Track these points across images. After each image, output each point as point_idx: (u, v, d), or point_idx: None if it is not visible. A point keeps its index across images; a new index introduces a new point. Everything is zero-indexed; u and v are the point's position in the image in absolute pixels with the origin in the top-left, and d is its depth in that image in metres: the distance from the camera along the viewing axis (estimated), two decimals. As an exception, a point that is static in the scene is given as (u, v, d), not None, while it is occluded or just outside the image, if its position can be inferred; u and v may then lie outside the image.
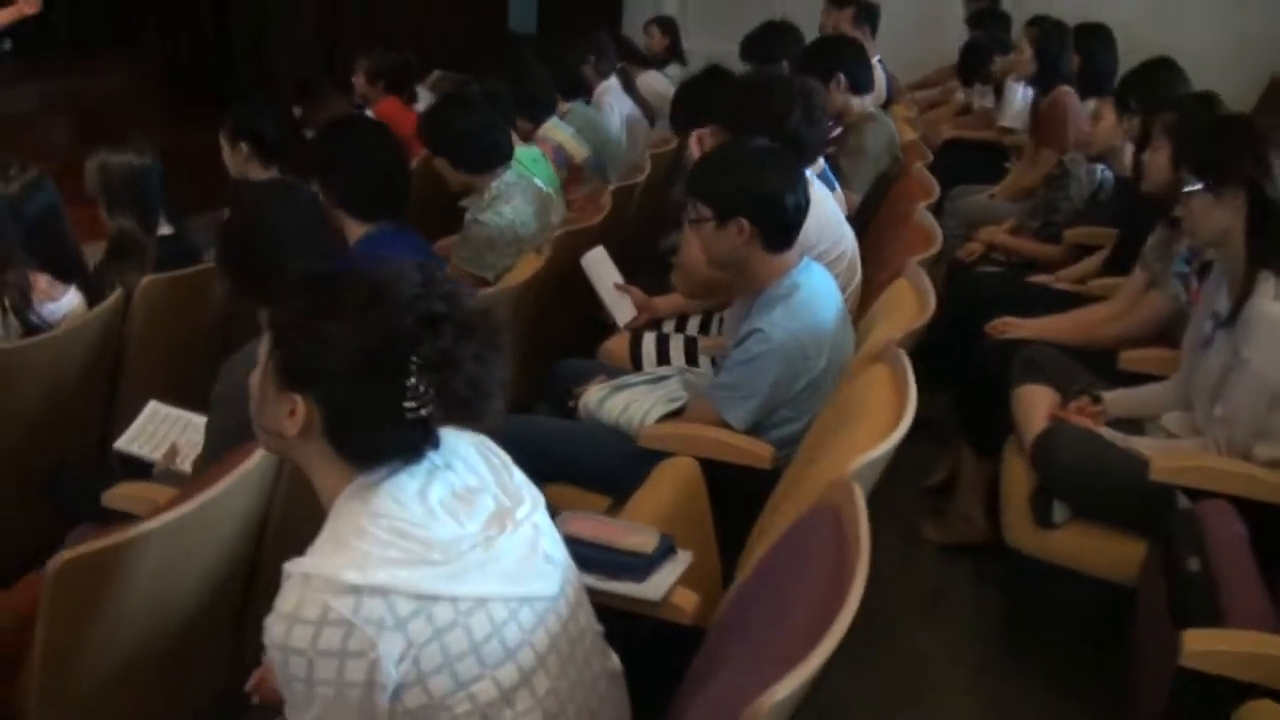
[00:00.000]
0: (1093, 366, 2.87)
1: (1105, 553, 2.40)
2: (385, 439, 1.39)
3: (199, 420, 2.79)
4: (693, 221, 2.58)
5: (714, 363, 2.92)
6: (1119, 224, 3.46)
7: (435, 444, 1.43)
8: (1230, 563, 1.95)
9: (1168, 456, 2.38)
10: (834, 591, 1.37)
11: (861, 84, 4.11)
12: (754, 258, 2.54)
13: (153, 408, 2.79)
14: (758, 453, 2.45)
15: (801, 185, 2.55)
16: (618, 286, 3.43)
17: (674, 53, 7.01)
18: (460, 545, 1.37)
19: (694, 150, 3.26)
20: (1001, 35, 5.97)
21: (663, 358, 3.08)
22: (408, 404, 1.35)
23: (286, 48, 7.99)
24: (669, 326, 3.36)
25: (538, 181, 3.66)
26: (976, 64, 5.93)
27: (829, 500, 1.65)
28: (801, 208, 2.55)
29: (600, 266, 3.45)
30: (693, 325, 3.35)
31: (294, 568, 1.32)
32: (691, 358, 3.10)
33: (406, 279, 1.38)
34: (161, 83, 8.54)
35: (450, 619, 1.34)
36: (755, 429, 2.51)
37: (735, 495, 2.40)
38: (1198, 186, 2.38)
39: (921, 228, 3.22)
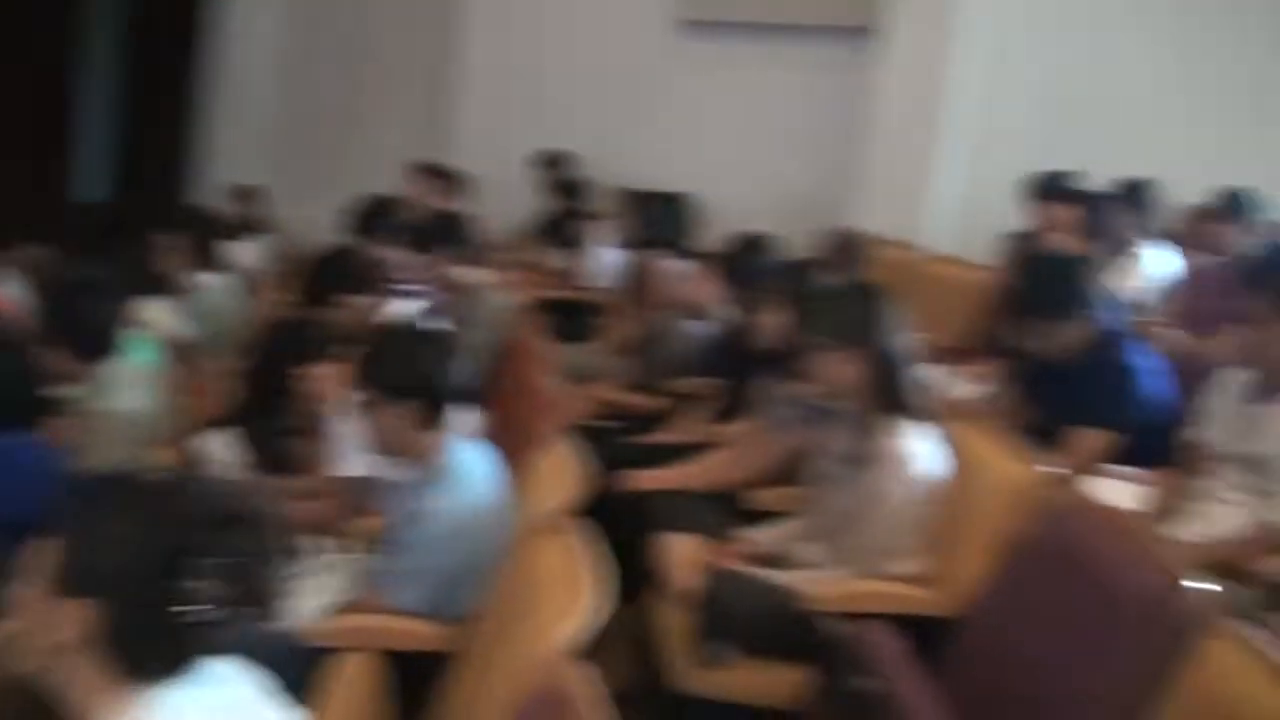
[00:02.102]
0: (723, 509, 3.07)
1: (773, 683, 2.53)
2: (164, 647, 1.31)
3: None
4: None
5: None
6: (725, 376, 3.76)
7: (208, 654, 1.35)
8: (897, 677, 2.14)
9: (819, 585, 2.59)
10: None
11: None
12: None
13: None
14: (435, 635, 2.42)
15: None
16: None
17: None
18: None
19: None
20: (582, 202, 6.35)
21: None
22: (189, 608, 1.29)
23: None
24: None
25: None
26: (563, 229, 6.28)
27: (550, 683, 1.65)
28: None
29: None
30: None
31: None
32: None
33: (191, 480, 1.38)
34: None
35: None
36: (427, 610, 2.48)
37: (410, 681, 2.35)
38: (827, 345, 2.66)
39: (552, 397, 3.33)
